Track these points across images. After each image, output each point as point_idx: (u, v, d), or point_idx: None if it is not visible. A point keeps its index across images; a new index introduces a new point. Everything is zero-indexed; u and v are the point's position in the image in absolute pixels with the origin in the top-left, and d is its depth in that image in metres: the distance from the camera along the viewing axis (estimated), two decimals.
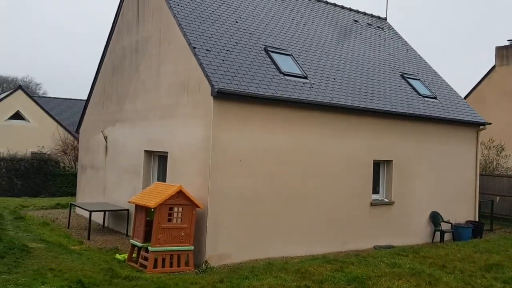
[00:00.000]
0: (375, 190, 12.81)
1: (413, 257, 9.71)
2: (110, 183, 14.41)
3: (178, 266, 9.22)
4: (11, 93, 31.07)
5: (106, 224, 14.04)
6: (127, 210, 12.63)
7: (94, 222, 14.21)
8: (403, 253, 10.12)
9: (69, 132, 30.24)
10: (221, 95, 9.71)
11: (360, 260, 9.15)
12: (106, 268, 8.19)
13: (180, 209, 9.41)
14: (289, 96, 10.69)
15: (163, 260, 9.15)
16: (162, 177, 12.06)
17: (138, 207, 9.82)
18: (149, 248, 9.16)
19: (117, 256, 10.15)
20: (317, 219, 11.19)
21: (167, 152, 11.40)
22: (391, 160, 12.95)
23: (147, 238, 9.44)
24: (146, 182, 12.45)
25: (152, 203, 9.22)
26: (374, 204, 12.41)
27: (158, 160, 12.49)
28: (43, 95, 46.95)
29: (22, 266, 7.78)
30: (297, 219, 10.85)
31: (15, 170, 21.99)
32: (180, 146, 10.77)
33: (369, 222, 12.21)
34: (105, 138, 14.97)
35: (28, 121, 30.58)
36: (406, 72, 15.66)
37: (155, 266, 9.00)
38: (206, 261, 9.24)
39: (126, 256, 9.92)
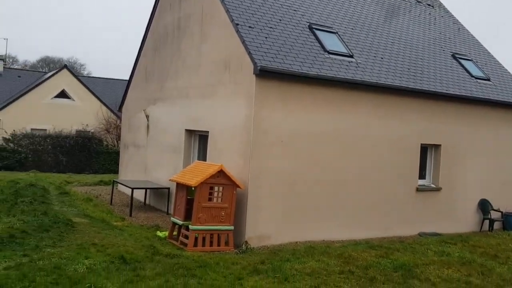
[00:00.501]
0: (422, 175, 12.29)
1: (462, 246, 9.26)
2: (151, 161, 14.54)
3: (218, 245, 9.17)
4: (56, 72, 31.89)
5: (147, 202, 14.22)
6: (168, 188, 12.70)
7: (136, 199, 14.42)
8: (450, 241, 9.67)
9: (111, 111, 30.85)
10: (263, 74, 9.44)
11: (406, 247, 8.80)
12: (148, 245, 8.23)
13: (221, 188, 9.31)
14: (334, 76, 10.30)
15: (203, 239, 9.12)
16: (202, 156, 12.01)
17: (179, 186, 9.80)
18: (190, 226, 9.14)
19: (158, 233, 10.22)
20: (360, 203, 10.85)
21: (207, 132, 11.30)
22: (440, 144, 12.36)
23: (187, 216, 9.42)
24: (187, 161, 12.44)
25: (193, 181, 9.16)
26: (420, 189, 11.92)
27: (199, 139, 12.45)
28: (87, 75, 48.12)
29: (66, 240, 7.93)
30: (339, 203, 10.56)
31: (61, 147, 22.65)
32: (221, 125, 10.63)
33: (414, 208, 11.75)
34: (147, 116, 15.07)
35: (73, 100, 31.37)
36: (458, 52, 14.83)
37: (195, 245, 8.98)
38: (246, 242, 9.14)
39: (167, 234, 9.98)
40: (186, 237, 9.22)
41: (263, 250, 8.93)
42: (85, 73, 59.18)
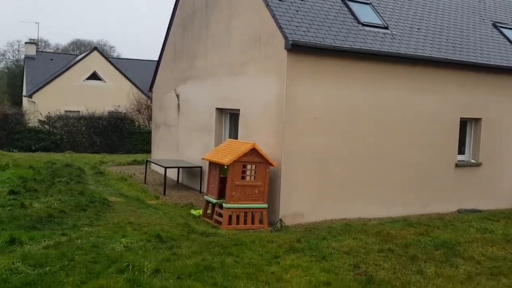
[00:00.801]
0: (461, 151, 11.83)
1: (505, 223, 8.90)
2: (183, 140, 14.57)
3: (252, 223, 9.12)
4: (87, 55, 32.32)
5: (180, 181, 14.32)
6: (200, 167, 12.72)
7: (169, 178, 14.55)
8: (493, 218, 9.31)
9: (142, 92, 31.13)
10: (295, 48, 9.17)
11: (446, 224, 8.52)
12: (183, 223, 8.25)
13: (254, 166, 9.21)
14: (369, 48, 9.91)
15: (237, 217, 9.08)
16: (233, 134, 11.91)
17: (212, 164, 9.75)
18: (223, 205, 9.11)
19: (192, 211, 10.26)
20: (397, 179, 10.55)
21: (238, 110, 11.16)
22: (480, 118, 11.83)
23: (221, 195, 9.39)
24: (218, 139, 12.38)
25: (225, 160, 9.08)
26: (459, 165, 11.48)
27: (230, 118, 12.34)
28: (117, 57, 48.60)
29: (103, 219, 8.03)
30: (375, 180, 10.29)
31: (94, 128, 23.04)
32: (252, 103, 10.46)
33: (453, 184, 11.35)
34: (177, 96, 15.04)
35: (104, 81, 31.79)
36: (499, 21, 14.04)
37: (229, 223, 8.96)
38: (280, 220, 9.05)
39: (201, 212, 10.00)
40: (220, 215, 9.21)
41: (298, 228, 8.83)
42: (114, 55, 59.85)
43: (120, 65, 33.96)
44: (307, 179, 9.58)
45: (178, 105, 15.04)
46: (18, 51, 58.18)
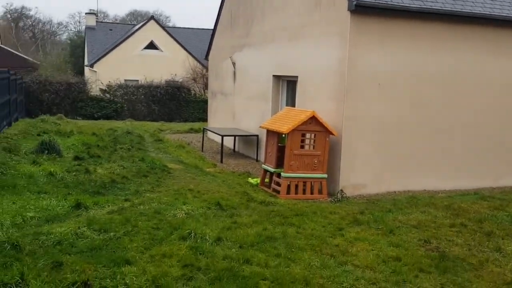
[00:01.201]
0: None
1: None
2: (239, 108, 14.44)
3: (311, 193, 8.90)
4: (144, 24, 32.74)
5: (236, 149, 14.30)
6: (257, 135, 12.58)
7: (225, 146, 14.58)
8: None
9: (198, 60, 31.25)
10: (359, 9, 8.60)
11: None
12: (241, 191, 8.17)
13: (313, 135, 8.90)
14: (440, 8, 9.12)
15: (296, 186, 8.88)
16: (291, 102, 11.60)
17: (270, 133, 9.54)
18: (282, 174, 8.92)
19: (250, 180, 10.19)
20: (467, 150, 9.87)
21: (296, 77, 10.80)
22: None
23: (279, 163, 9.20)
24: (275, 107, 12.13)
25: (284, 128, 8.83)
26: None
27: (287, 85, 12.00)
28: (173, 26, 48.98)
29: (164, 185, 8.10)
30: (443, 150, 9.67)
31: (152, 97, 23.46)
32: (311, 69, 10.05)
33: None
34: (233, 64, 14.85)
35: (161, 51, 32.18)
36: None
37: (287, 192, 8.79)
38: (341, 191, 8.75)
39: (258, 181, 9.89)
40: (278, 184, 9.05)
41: (359, 199, 8.50)
42: (170, 25, 60.41)
43: (176, 34, 34.17)
44: (369, 148, 9.17)
45: (234, 73, 14.86)
46: (79, 22, 60.23)
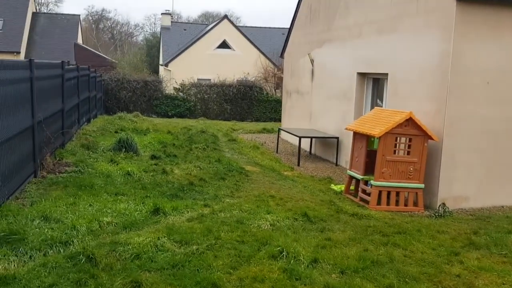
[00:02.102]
0: None
1: None
2: (317, 108, 13.63)
3: (405, 205, 7.89)
4: (217, 23, 32.83)
5: (312, 151, 13.52)
6: (337, 138, 11.72)
7: (297, 146, 13.97)
8: None
9: (269, 59, 30.77)
10: None
11: None
12: (327, 200, 7.39)
13: (409, 140, 7.90)
14: None
15: (388, 196, 7.92)
16: (376, 103, 10.61)
17: (357, 135, 8.65)
18: (372, 182, 8.01)
19: (333, 186, 9.36)
20: None
21: (386, 74, 9.79)
22: None
23: (368, 170, 8.29)
24: (359, 108, 11.19)
25: (375, 131, 7.91)
26: None
27: (372, 84, 11.01)
28: (244, 25, 48.96)
29: (243, 189, 7.52)
30: None
31: (224, 96, 23.26)
32: (405, 65, 9.01)
33: None
34: (312, 61, 14.06)
35: (233, 50, 32.07)
36: None
37: (378, 203, 7.85)
38: (443, 204, 7.64)
39: (342, 188, 9.04)
40: (366, 193, 8.15)
41: (463, 214, 7.39)
42: (240, 25, 60.66)
43: (247, 33, 33.93)
44: (474, 156, 8.00)
45: (313, 70, 14.06)
46: (155, 24, 62.21)
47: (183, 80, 23.79)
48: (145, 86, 22.30)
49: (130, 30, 66.13)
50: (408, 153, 7.94)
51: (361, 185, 8.42)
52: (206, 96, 23.28)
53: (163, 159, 9.17)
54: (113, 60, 32.63)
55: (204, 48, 31.51)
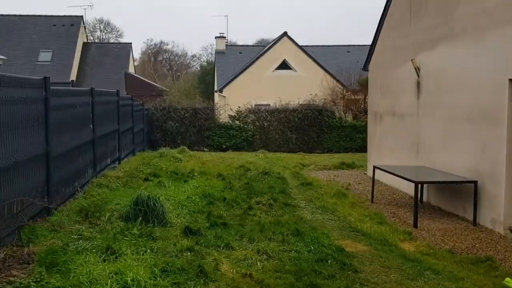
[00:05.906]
0: None
1: None
2: (429, 136, 9.46)
3: None
4: (277, 41, 29.45)
5: (425, 198, 9.30)
6: (475, 182, 7.50)
7: (399, 190, 10.29)
8: None
9: (336, 79, 26.76)
10: None
11: None
12: None
13: None
14: None
15: None
16: None
17: None
18: None
19: (509, 281, 5.10)
20: None
21: None
22: None
23: None
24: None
25: None
26: None
27: None
28: (304, 45, 45.35)
29: None
30: None
31: (288, 122, 19.44)
32: None
33: None
34: (416, 69, 9.96)
35: (295, 70, 28.40)
36: None
37: None
38: None
39: None
40: None
41: None
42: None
43: (309, 52, 30.17)
44: None
45: (418, 83, 9.95)
46: (211, 54, 60.22)
47: (239, 107, 20.25)
48: (195, 115, 18.99)
49: (188, 61, 64.70)
50: None
51: None
52: (266, 124, 19.59)
53: (204, 236, 5.30)
54: (163, 88, 29.94)
55: (262, 70, 28.04)
